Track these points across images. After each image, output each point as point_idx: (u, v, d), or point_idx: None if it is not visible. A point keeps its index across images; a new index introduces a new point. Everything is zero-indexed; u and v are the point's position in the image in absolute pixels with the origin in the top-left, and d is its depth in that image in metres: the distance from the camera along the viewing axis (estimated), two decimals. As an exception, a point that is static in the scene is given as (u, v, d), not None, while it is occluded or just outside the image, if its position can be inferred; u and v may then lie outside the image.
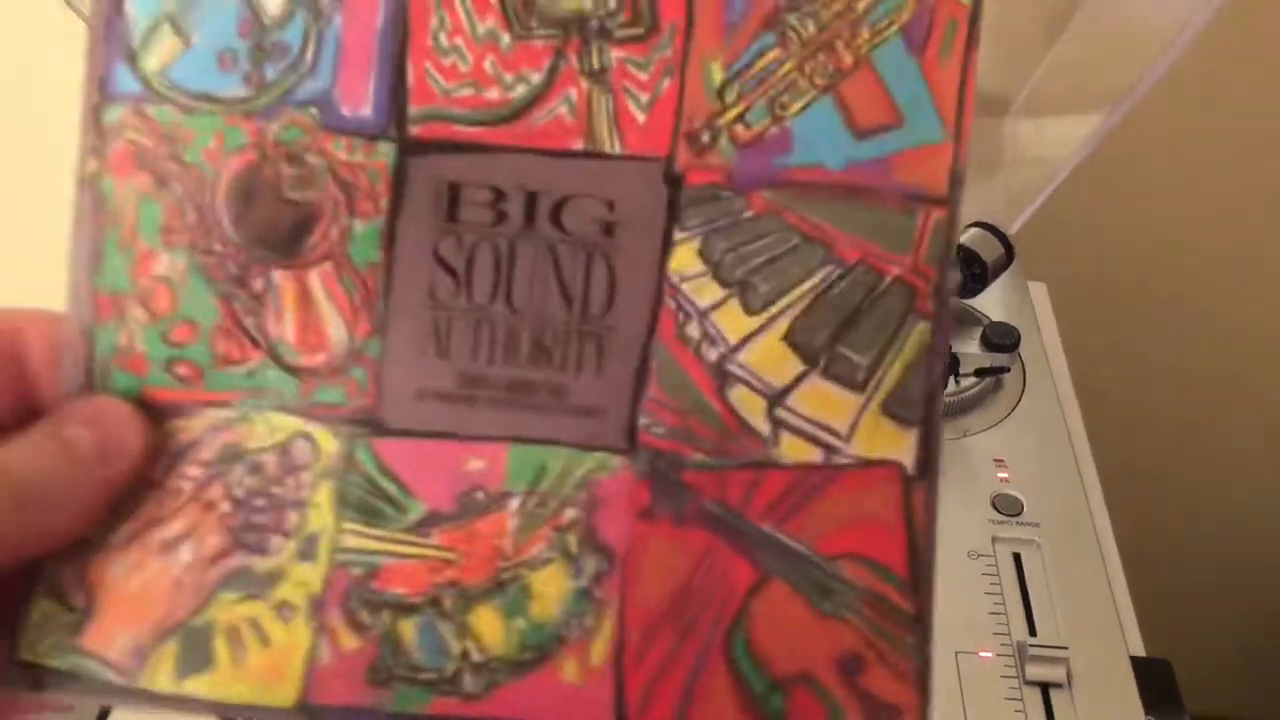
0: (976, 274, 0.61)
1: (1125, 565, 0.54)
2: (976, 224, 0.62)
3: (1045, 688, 0.46)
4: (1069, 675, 0.46)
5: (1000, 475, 0.55)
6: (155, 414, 0.23)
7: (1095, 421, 0.62)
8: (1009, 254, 0.61)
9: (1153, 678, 0.46)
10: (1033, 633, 0.48)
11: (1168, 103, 0.68)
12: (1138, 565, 0.56)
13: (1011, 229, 0.63)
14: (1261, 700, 1.14)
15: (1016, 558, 0.51)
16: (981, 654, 0.47)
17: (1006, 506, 0.54)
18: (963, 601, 0.48)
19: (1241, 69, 0.73)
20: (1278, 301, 0.87)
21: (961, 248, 0.60)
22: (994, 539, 0.52)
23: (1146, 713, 0.45)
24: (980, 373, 0.60)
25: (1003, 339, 0.60)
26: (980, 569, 0.50)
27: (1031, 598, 0.49)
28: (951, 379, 0.58)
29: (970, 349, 0.61)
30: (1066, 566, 0.51)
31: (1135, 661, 0.47)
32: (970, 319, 0.64)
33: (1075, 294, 0.73)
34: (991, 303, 0.65)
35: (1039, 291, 0.71)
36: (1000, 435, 0.58)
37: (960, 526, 0.52)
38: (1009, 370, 0.61)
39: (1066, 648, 0.46)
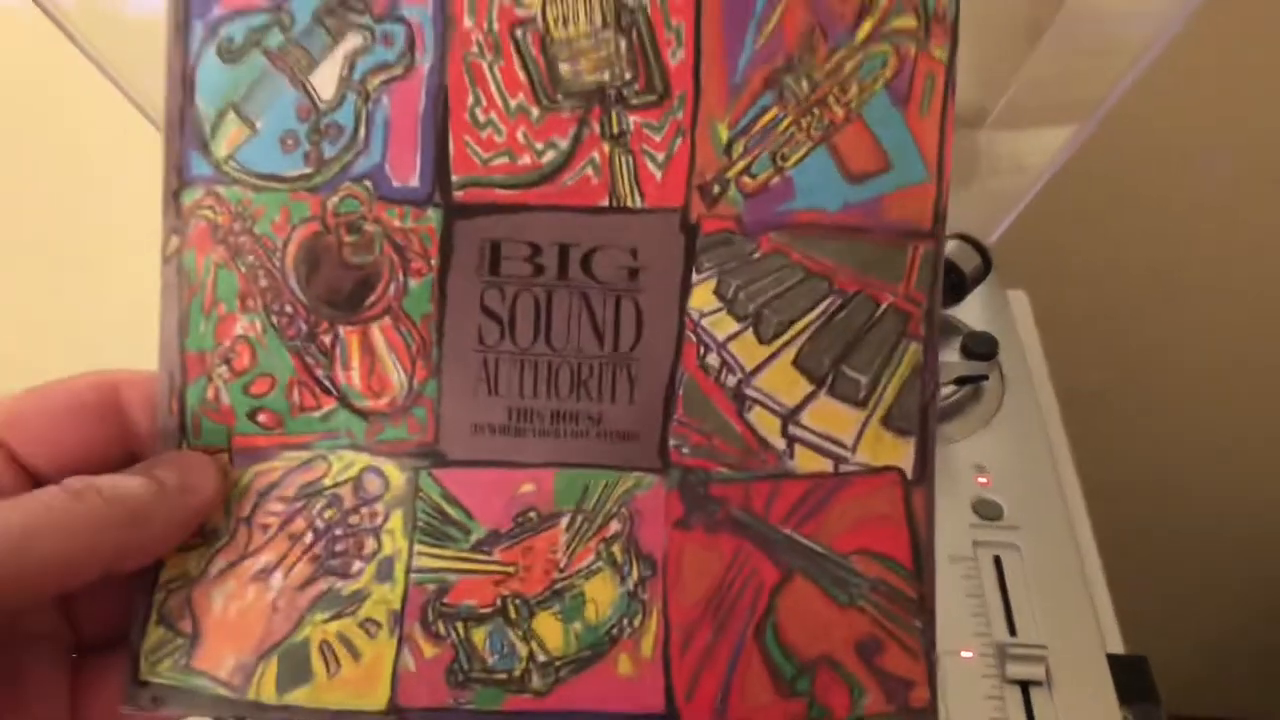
0: (955, 284, 0.61)
1: (1105, 566, 0.55)
2: (955, 235, 0.62)
3: (1025, 686, 0.47)
4: (1048, 673, 0.47)
5: (980, 481, 0.56)
6: (241, 458, 0.26)
7: (1076, 425, 0.64)
8: (987, 264, 0.62)
9: (1130, 673, 0.48)
10: (1013, 633, 0.49)
11: (1147, 109, 0.69)
12: (1118, 566, 0.58)
13: (990, 239, 0.65)
14: (1244, 698, 1.17)
15: (997, 560, 0.52)
16: (963, 654, 0.48)
17: (987, 511, 0.54)
18: (945, 603, 0.50)
19: (1219, 75, 0.75)
20: (1257, 305, 0.88)
21: None
22: (975, 543, 0.53)
23: (1122, 707, 0.46)
24: (959, 381, 0.60)
25: (981, 348, 0.61)
26: (962, 572, 0.51)
27: (1011, 599, 0.50)
28: None
29: (950, 358, 0.61)
30: (1045, 568, 0.52)
31: (1112, 658, 0.48)
32: (949, 328, 0.64)
33: (1055, 300, 0.74)
34: (971, 312, 0.65)
35: (1019, 299, 0.71)
36: (980, 442, 0.58)
37: (942, 531, 0.53)
38: (987, 379, 0.61)
39: (1045, 646, 0.47)
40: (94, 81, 0.54)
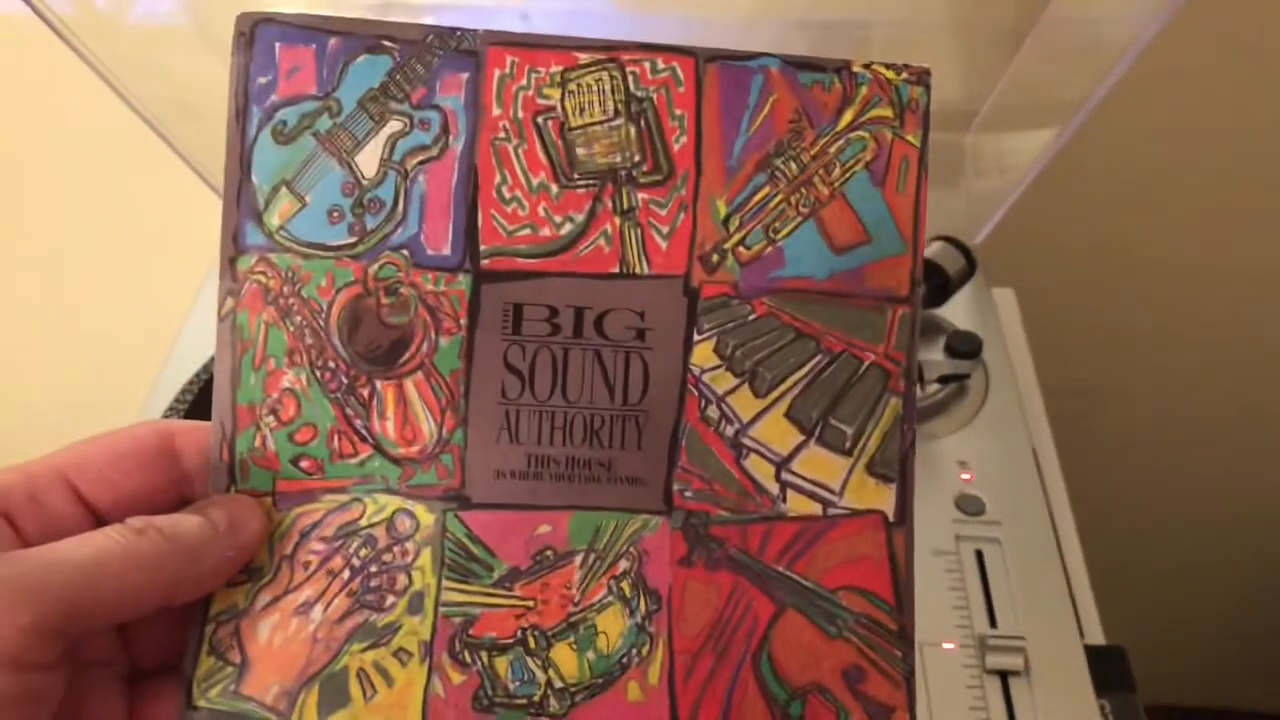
0: (939, 285, 0.63)
1: (1088, 559, 0.57)
2: (939, 237, 0.64)
3: (1004, 676, 0.48)
4: (1026, 663, 0.48)
5: (964, 477, 0.57)
6: (284, 501, 0.29)
7: (1062, 420, 0.65)
8: (971, 265, 0.63)
9: (1108, 663, 0.49)
10: (993, 625, 0.50)
11: (1134, 108, 0.71)
12: (1101, 559, 0.59)
13: (976, 240, 0.66)
14: (1228, 687, 1.18)
15: (979, 554, 0.54)
16: (944, 645, 0.49)
17: (969, 506, 0.56)
18: (927, 596, 0.50)
19: (1203, 73, 0.76)
20: (1243, 302, 0.89)
21: (925, 260, 0.62)
22: (957, 537, 0.54)
23: (1099, 696, 0.48)
24: (943, 380, 0.61)
25: (964, 346, 0.62)
26: (944, 565, 0.53)
27: (992, 592, 0.52)
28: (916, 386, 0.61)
29: (934, 356, 0.63)
30: (1025, 562, 0.53)
31: (1090, 649, 0.50)
32: (935, 327, 0.65)
33: (1042, 298, 0.75)
34: (957, 310, 0.66)
35: (1006, 297, 0.73)
36: (964, 439, 0.60)
37: (925, 526, 0.54)
38: (969, 378, 0.62)
39: (1023, 638, 0.49)
40: (93, 86, 0.56)
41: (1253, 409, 0.97)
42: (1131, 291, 0.90)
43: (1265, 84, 0.77)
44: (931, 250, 0.64)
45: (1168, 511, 1.05)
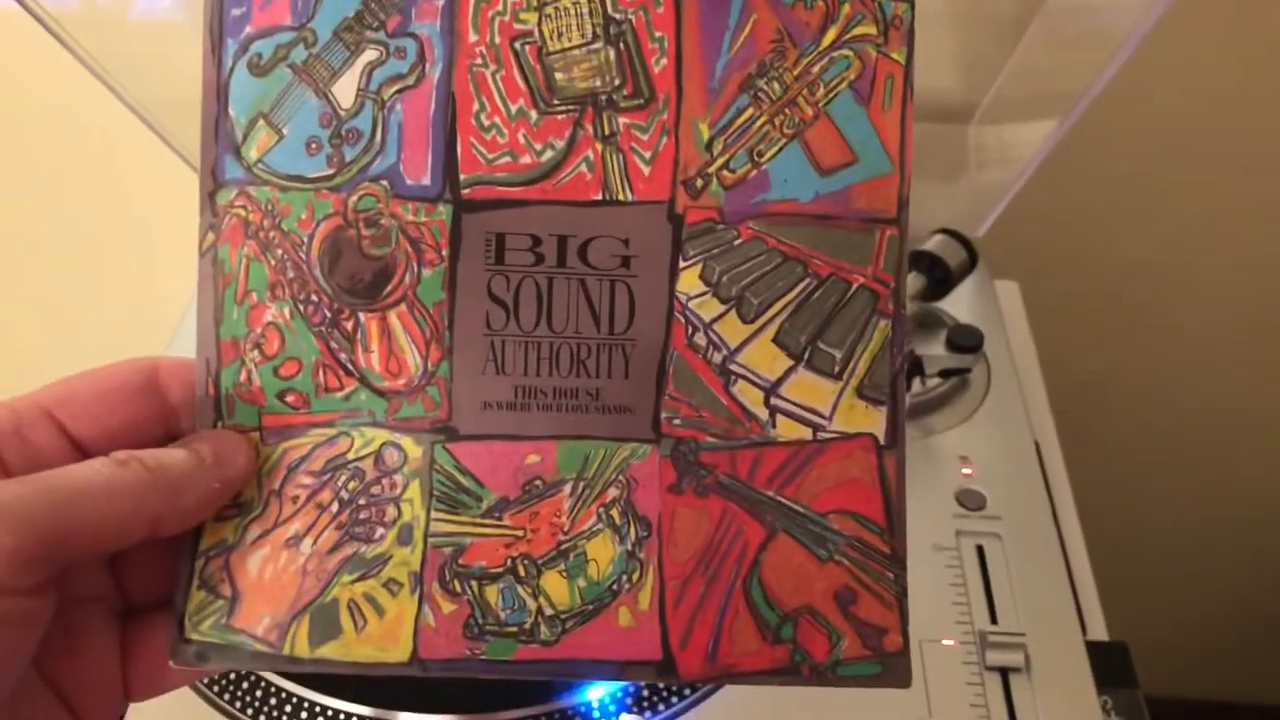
0: (941, 279, 0.62)
1: (1091, 553, 0.56)
2: (941, 230, 0.63)
3: (1005, 672, 0.47)
4: (1027, 660, 0.48)
5: (965, 471, 0.57)
6: (271, 435, 0.29)
7: (1066, 414, 0.64)
8: (973, 258, 0.63)
9: (1110, 659, 0.49)
10: (994, 621, 0.50)
11: (1136, 97, 0.70)
12: (1105, 553, 0.58)
13: (979, 232, 0.65)
14: (1234, 680, 1.17)
15: (979, 550, 0.53)
16: (944, 642, 0.48)
17: (970, 501, 0.55)
18: (928, 592, 0.50)
19: (1206, 62, 0.75)
20: (1247, 294, 0.88)
21: (926, 254, 0.62)
22: (958, 532, 0.53)
23: (1101, 692, 0.47)
24: (944, 374, 0.61)
25: (966, 340, 0.61)
26: (945, 561, 0.52)
27: (993, 588, 0.51)
28: (917, 380, 0.60)
29: (936, 350, 0.62)
30: (1027, 558, 0.52)
31: (1092, 645, 0.49)
32: (936, 321, 0.64)
33: (1046, 290, 0.74)
34: (960, 304, 0.65)
35: (1010, 290, 0.72)
36: (965, 433, 0.59)
37: (926, 521, 0.53)
38: (970, 372, 0.61)
39: (1024, 634, 0.48)
40: (93, 81, 0.56)
41: (1259, 401, 0.96)
42: (1136, 282, 0.89)
43: (1269, 71, 0.76)
44: (932, 243, 0.63)
45: (1174, 504, 1.04)
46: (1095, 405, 0.93)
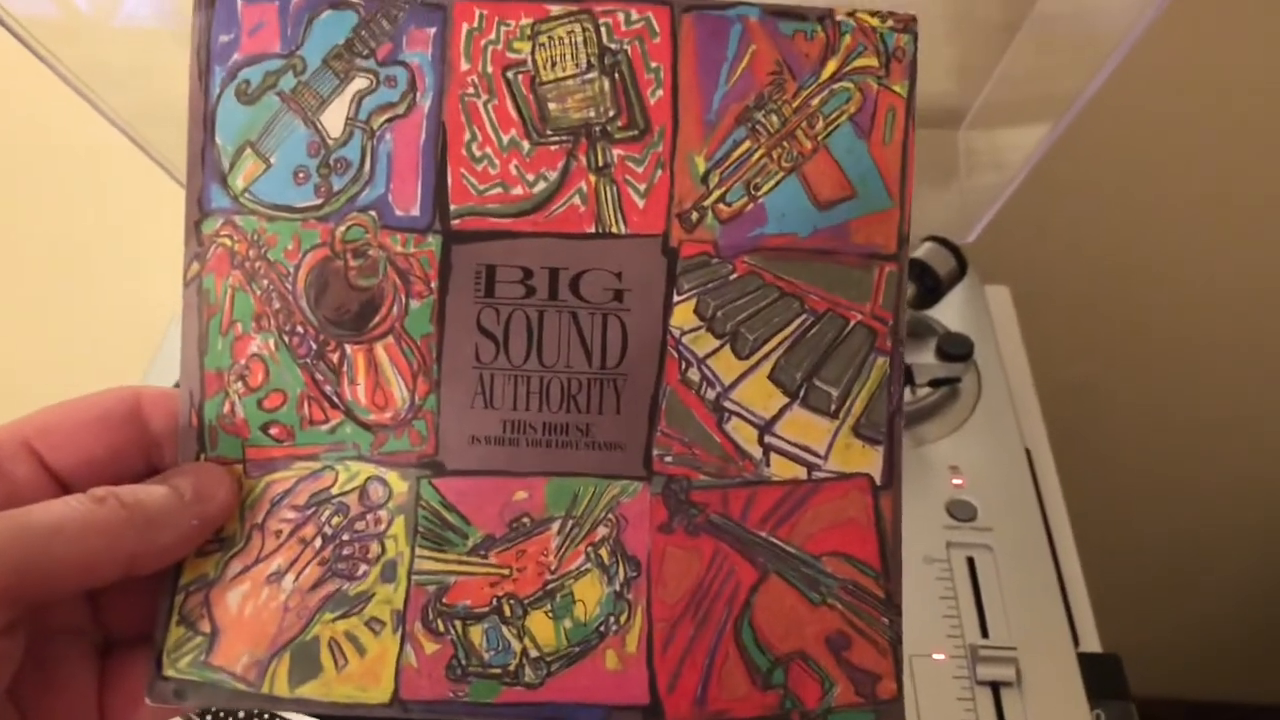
0: (930, 287, 0.62)
1: (1084, 561, 0.55)
2: (929, 237, 0.63)
3: (996, 686, 0.47)
4: (1018, 674, 0.47)
5: (955, 482, 0.56)
6: (255, 468, 0.28)
7: (1058, 419, 0.64)
8: (962, 266, 0.62)
9: (1102, 672, 0.48)
10: (985, 634, 0.49)
11: (1127, 102, 0.70)
12: (1098, 559, 0.58)
13: (969, 238, 0.65)
14: (1230, 682, 1.17)
15: (970, 562, 0.53)
16: (935, 656, 0.48)
17: (961, 512, 0.55)
18: (918, 605, 0.49)
19: (1196, 67, 0.75)
20: (1240, 298, 0.88)
21: (916, 261, 0.61)
22: (949, 544, 0.53)
23: (1093, 706, 0.47)
24: (934, 383, 0.60)
25: (956, 349, 0.61)
26: (935, 573, 0.51)
27: (984, 600, 0.51)
28: (907, 389, 0.59)
29: (926, 359, 0.62)
30: (1018, 569, 0.52)
31: (1084, 657, 0.49)
32: (926, 329, 0.64)
33: (1037, 295, 0.74)
34: (950, 311, 0.65)
35: (1000, 295, 0.71)
36: (955, 443, 0.58)
37: (916, 532, 0.53)
38: (960, 381, 0.61)
39: (1015, 648, 0.48)
40: (69, 91, 0.55)
41: (1251, 408, 0.96)
42: (1128, 288, 0.89)
43: (1260, 76, 0.76)
44: (922, 251, 0.63)
45: (1168, 509, 1.04)
46: (1087, 411, 0.93)
